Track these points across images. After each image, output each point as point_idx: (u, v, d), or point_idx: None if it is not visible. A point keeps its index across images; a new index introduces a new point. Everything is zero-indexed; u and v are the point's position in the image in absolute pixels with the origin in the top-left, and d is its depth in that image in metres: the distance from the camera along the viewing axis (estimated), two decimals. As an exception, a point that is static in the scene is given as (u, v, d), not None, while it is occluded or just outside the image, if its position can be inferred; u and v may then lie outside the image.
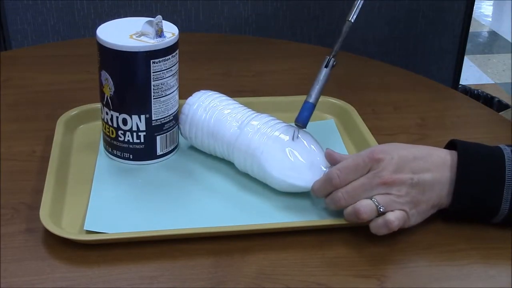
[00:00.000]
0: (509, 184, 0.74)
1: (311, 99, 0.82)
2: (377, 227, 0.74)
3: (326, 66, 0.84)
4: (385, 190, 0.73)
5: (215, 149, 0.86)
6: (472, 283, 0.72)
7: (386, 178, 0.73)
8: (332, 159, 0.79)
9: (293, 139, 0.80)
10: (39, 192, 0.78)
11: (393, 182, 0.73)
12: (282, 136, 0.81)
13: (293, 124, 0.82)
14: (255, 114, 0.85)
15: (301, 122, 0.81)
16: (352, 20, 0.83)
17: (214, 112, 0.85)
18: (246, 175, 0.84)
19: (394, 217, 0.73)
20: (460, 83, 1.63)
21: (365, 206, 0.73)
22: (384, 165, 0.74)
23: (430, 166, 0.75)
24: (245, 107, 0.87)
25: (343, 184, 0.75)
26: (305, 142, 0.81)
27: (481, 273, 0.73)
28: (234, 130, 0.83)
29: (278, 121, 0.84)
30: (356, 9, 0.82)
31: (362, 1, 0.82)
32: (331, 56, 0.84)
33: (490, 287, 0.72)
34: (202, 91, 0.88)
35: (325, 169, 0.79)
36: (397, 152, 0.75)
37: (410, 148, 0.77)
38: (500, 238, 0.77)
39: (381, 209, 0.73)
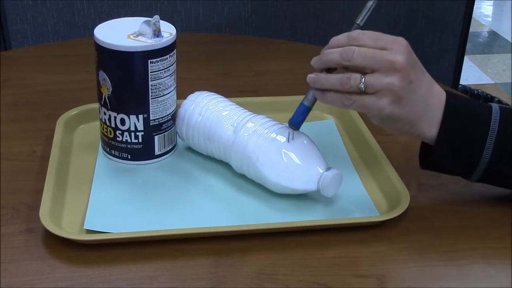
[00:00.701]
0: (492, 134, 0.74)
1: (307, 102, 0.80)
2: (335, 98, 0.75)
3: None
4: (387, 72, 0.72)
5: (212, 152, 0.86)
6: (472, 283, 0.72)
7: (397, 62, 0.72)
8: None
9: (288, 140, 0.80)
10: (39, 192, 0.78)
11: (400, 70, 0.72)
12: (278, 137, 0.80)
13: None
14: (251, 116, 0.84)
15: (295, 125, 0.80)
16: (361, 24, 0.82)
17: (210, 115, 0.85)
18: (244, 176, 0.84)
19: (355, 106, 0.74)
20: (460, 83, 1.63)
21: (353, 78, 0.73)
22: (402, 51, 0.73)
23: (430, 89, 0.76)
24: (241, 108, 0.86)
25: (360, 42, 0.74)
26: (301, 143, 0.80)
27: (481, 273, 0.73)
28: (230, 133, 0.83)
29: (274, 122, 0.83)
30: (368, 12, 0.82)
31: (374, 4, 0.82)
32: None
33: (490, 287, 0.72)
34: (198, 93, 0.88)
35: (321, 171, 0.78)
36: (414, 55, 0.75)
37: (422, 66, 0.77)
38: (500, 238, 0.77)
39: (362, 87, 0.73)
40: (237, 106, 0.87)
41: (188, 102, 0.87)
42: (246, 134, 0.82)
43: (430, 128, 0.76)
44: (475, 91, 1.49)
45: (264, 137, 0.80)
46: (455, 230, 0.78)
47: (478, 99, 1.43)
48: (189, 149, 0.90)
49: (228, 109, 0.85)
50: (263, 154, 0.80)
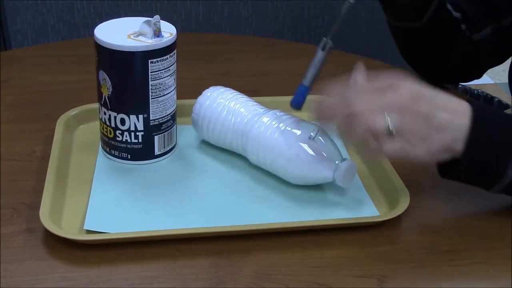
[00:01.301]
0: None
1: (306, 83, 0.80)
2: (372, 151, 0.73)
3: (323, 49, 0.83)
4: (399, 113, 0.71)
5: (231, 143, 0.86)
6: (472, 283, 0.72)
7: (404, 103, 0.71)
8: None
9: (313, 138, 0.79)
10: (39, 192, 0.78)
11: (410, 109, 0.71)
12: (293, 130, 0.81)
13: (305, 120, 0.82)
14: (267, 110, 0.85)
15: (296, 106, 0.81)
16: (352, 1, 0.82)
17: (227, 107, 0.86)
18: (244, 175, 0.84)
19: (391, 148, 0.71)
20: (460, 83, 1.63)
21: (379, 119, 0.70)
22: (404, 90, 0.71)
23: (449, 108, 0.73)
24: (256, 103, 0.88)
25: (360, 89, 0.73)
26: (319, 137, 0.80)
27: (481, 273, 0.73)
28: (246, 125, 0.84)
29: (289, 115, 0.84)
30: None
31: None
32: (328, 38, 0.82)
33: (490, 287, 0.72)
34: (214, 87, 0.89)
35: (337, 162, 0.79)
36: (417, 85, 0.73)
37: (430, 89, 0.74)
38: (500, 238, 0.77)
39: (393, 130, 0.70)
40: (252, 100, 0.88)
41: (204, 97, 0.88)
42: (263, 127, 0.82)
43: (459, 143, 0.74)
44: (475, 91, 1.49)
45: (279, 131, 0.81)
46: (455, 230, 0.78)
47: (478, 99, 1.43)
48: (190, 148, 0.90)
49: (244, 103, 0.86)
50: (279, 146, 0.80)
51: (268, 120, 0.83)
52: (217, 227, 0.75)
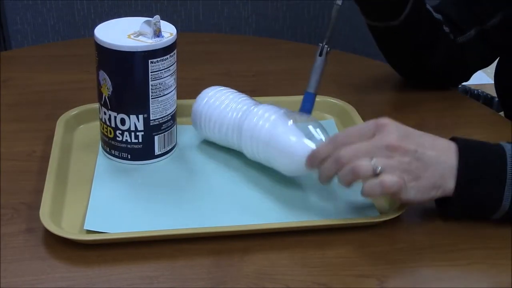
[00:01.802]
0: (510, 182, 0.74)
1: (311, 89, 0.83)
2: (370, 185, 0.72)
3: (320, 55, 0.84)
4: (388, 154, 0.72)
5: (227, 139, 0.86)
6: (472, 283, 0.72)
7: (391, 142, 0.72)
8: None
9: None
10: (39, 192, 0.78)
11: (397, 148, 0.72)
12: (285, 120, 0.81)
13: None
14: (258, 104, 0.85)
15: (306, 113, 0.82)
16: (340, 3, 0.84)
17: (224, 103, 0.86)
18: (244, 176, 0.84)
19: (390, 179, 0.72)
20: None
21: (363, 164, 0.72)
22: (390, 130, 0.73)
23: (435, 146, 0.75)
24: (255, 101, 0.88)
25: (347, 145, 0.73)
26: (310, 126, 0.80)
27: (481, 273, 0.73)
28: (241, 115, 0.84)
29: (278, 108, 0.84)
30: None
31: None
32: (324, 43, 0.84)
33: (490, 287, 0.72)
34: (214, 87, 0.89)
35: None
36: (403, 126, 0.75)
37: (416, 130, 0.76)
38: (500, 238, 0.77)
39: (378, 169, 0.71)
40: (251, 98, 0.88)
41: (203, 95, 0.88)
42: (255, 117, 0.82)
43: (449, 181, 0.74)
44: (475, 91, 1.49)
45: (270, 121, 0.81)
46: (455, 230, 0.78)
47: (478, 99, 1.43)
48: (189, 148, 0.90)
49: (241, 100, 0.87)
50: (271, 137, 0.80)
51: (261, 112, 0.83)
52: (217, 227, 0.75)
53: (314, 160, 0.76)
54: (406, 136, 0.74)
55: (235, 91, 0.89)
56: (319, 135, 0.79)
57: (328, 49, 0.84)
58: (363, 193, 0.73)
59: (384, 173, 0.72)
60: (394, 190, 0.72)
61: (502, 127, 1.01)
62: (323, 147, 0.76)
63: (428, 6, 1.01)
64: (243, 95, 0.89)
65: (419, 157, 0.73)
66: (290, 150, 0.79)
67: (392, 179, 0.72)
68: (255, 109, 0.84)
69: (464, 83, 1.33)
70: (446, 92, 1.11)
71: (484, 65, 1.09)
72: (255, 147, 0.83)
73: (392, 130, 0.73)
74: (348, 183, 0.74)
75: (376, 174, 0.72)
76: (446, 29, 1.04)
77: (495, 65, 1.09)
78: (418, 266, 0.73)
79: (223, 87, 0.90)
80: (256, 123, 0.82)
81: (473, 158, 0.75)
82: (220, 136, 0.87)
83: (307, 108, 0.83)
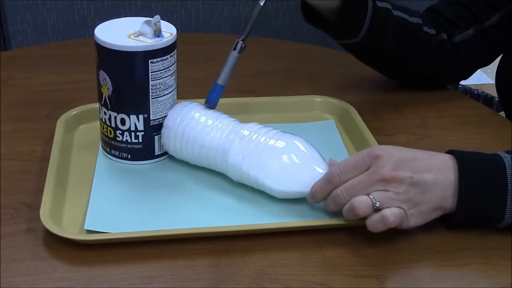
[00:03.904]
0: (511, 194, 0.73)
1: (220, 81, 0.86)
2: (372, 222, 0.73)
3: (234, 49, 0.88)
4: (383, 187, 0.73)
5: (208, 162, 0.83)
6: (472, 283, 0.72)
7: (385, 174, 0.72)
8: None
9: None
10: (39, 192, 0.78)
11: (392, 179, 0.72)
12: (276, 144, 0.79)
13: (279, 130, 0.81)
14: (242, 124, 0.82)
15: (210, 103, 0.85)
16: (262, 4, 0.87)
17: (198, 125, 0.83)
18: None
19: (390, 213, 0.72)
20: (460, 83, 1.63)
21: (361, 201, 0.72)
22: (383, 161, 0.73)
23: (431, 167, 0.74)
24: (230, 117, 0.84)
25: (343, 182, 0.74)
26: (300, 146, 0.79)
27: (481, 273, 0.73)
28: (222, 142, 0.81)
29: (267, 128, 0.81)
30: None
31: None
32: (239, 39, 0.87)
33: (490, 287, 0.72)
34: (181, 104, 0.85)
35: (322, 171, 0.78)
36: (397, 152, 0.75)
37: (411, 150, 0.76)
38: (500, 238, 0.77)
39: (377, 205, 0.72)
40: (224, 115, 0.85)
41: (173, 114, 0.84)
42: (244, 141, 0.80)
43: (449, 200, 0.74)
44: (475, 91, 1.49)
45: (261, 146, 0.79)
46: (455, 230, 0.78)
47: (478, 99, 1.43)
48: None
49: (216, 118, 0.83)
50: (262, 163, 0.78)
51: (248, 133, 0.80)
52: (217, 227, 0.75)
53: (314, 199, 0.77)
54: (400, 165, 0.73)
55: (203, 106, 0.85)
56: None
57: (243, 45, 0.87)
58: (367, 227, 0.74)
59: (383, 208, 0.72)
60: (396, 223, 0.73)
61: (502, 127, 1.01)
62: (320, 188, 0.76)
63: (398, 13, 1.00)
64: (218, 112, 0.85)
65: (416, 182, 0.73)
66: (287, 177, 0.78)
67: (393, 212, 0.72)
68: (242, 131, 0.81)
69: (464, 83, 1.33)
70: (446, 92, 1.11)
71: (483, 64, 1.09)
72: (245, 172, 0.80)
73: (385, 161, 0.73)
74: (353, 218, 0.74)
75: (376, 209, 0.73)
76: (431, 30, 1.03)
77: (496, 64, 1.09)
78: (418, 266, 0.73)
79: (194, 103, 0.86)
80: (246, 146, 0.79)
81: (473, 174, 0.74)
82: (199, 157, 0.84)
83: (213, 98, 0.85)
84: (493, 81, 1.11)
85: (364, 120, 0.95)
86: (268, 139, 0.79)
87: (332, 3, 0.92)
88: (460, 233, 0.77)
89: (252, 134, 0.80)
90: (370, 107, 1.04)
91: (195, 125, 0.83)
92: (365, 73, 1.12)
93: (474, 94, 1.46)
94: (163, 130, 0.84)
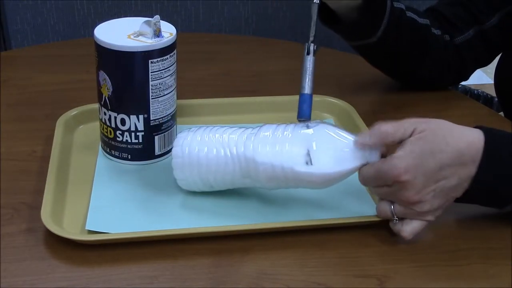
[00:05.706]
0: None
1: (306, 90, 0.79)
2: (393, 229, 0.75)
3: (308, 53, 0.83)
4: (408, 206, 0.73)
5: (231, 183, 0.78)
6: (472, 283, 0.72)
7: (409, 199, 0.71)
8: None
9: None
10: (39, 192, 0.78)
11: (417, 201, 0.72)
12: (302, 132, 0.75)
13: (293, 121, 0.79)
14: (257, 128, 0.77)
15: (305, 117, 0.79)
16: (316, 1, 0.84)
17: (211, 146, 0.77)
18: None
19: (410, 232, 0.73)
20: (460, 83, 1.63)
21: (380, 212, 0.75)
22: (408, 186, 0.71)
23: (457, 169, 0.72)
24: (235, 127, 0.79)
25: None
26: (327, 130, 0.75)
27: (481, 273, 0.73)
28: (243, 152, 0.75)
29: (282, 124, 0.77)
30: None
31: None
32: (309, 42, 0.84)
33: (490, 287, 0.72)
34: (184, 132, 0.79)
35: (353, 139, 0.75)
36: (423, 168, 0.71)
37: (440, 153, 0.71)
38: (500, 238, 0.77)
39: (395, 220, 0.74)
40: (229, 126, 0.79)
41: (179, 143, 0.78)
42: (266, 147, 0.75)
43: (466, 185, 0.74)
44: (475, 91, 1.48)
45: (288, 142, 0.75)
46: (455, 230, 0.78)
47: (478, 99, 1.43)
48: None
49: (224, 133, 0.78)
50: (297, 156, 0.74)
51: (269, 133, 0.75)
52: (217, 227, 0.75)
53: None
54: (424, 184, 0.71)
55: (208, 126, 0.80)
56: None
57: (315, 47, 0.83)
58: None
59: (404, 221, 0.74)
60: (412, 237, 0.74)
61: (502, 127, 1.00)
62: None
63: (410, 14, 1.01)
64: (215, 125, 0.80)
65: (440, 191, 0.72)
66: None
67: (413, 230, 0.74)
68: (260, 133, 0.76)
69: (464, 83, 1.33)
70: (446, 92, 1.11)
71: (483, 64, 1.09)
72: (278, 168, 0.74)
73: (409, 186, 0.71)
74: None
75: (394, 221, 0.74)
76: (437, 31, 1.04)
77: (495, 64, 1.09)
78: (418, 266, 0.73)
79: (192, 129, 0.79)
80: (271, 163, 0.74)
81: (496, 154, 0.73)
82: (223, 182, 0.78)
83: (306, 111, 0.78)
84: (493, 81, 1.11)
85: (364, 120, 0.95)
86: (294, 131, 0.75)
87: (352, 2, 0.93)
88: (460, 233, 0.77)
89: (274, 132, 0.76)
90: (370, 107, 1.04)
91: (204, 150, 0.77)
92: (365, 73, 1.12)
93: (474, 94, 1.46)
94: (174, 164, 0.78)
